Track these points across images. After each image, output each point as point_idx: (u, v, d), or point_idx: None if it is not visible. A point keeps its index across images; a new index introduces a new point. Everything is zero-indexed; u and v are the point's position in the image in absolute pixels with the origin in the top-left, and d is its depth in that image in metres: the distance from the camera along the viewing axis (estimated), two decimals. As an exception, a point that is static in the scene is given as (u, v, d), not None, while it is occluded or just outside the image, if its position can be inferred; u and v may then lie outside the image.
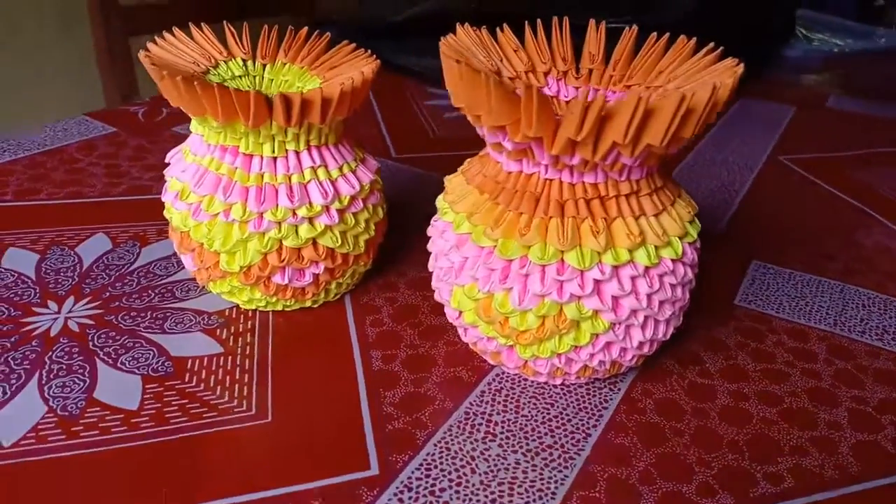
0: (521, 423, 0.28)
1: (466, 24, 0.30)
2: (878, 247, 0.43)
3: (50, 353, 0.29)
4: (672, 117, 0.22)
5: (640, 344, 0.27)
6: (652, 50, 0.29)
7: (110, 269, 0.35)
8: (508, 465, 0.26)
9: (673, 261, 0.27)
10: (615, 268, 0.26)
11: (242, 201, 0.29)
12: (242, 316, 0.33)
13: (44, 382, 0.28)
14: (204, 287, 0.34)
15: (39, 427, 0.26)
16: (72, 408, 0.27)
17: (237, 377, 0.29)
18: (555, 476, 0.25)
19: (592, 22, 0.31)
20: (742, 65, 0.25)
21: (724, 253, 0.41)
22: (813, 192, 0.50)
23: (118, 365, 0.29)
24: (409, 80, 0.69)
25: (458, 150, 0.53)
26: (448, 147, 0.54)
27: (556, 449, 0.27)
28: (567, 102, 0.31)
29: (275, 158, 0.30)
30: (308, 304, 0.33)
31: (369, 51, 0.33)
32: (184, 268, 0.36)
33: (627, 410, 0.29)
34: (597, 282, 0.26)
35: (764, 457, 0.27)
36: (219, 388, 0.28)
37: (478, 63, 0.28)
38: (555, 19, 0.31)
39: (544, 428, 0.27)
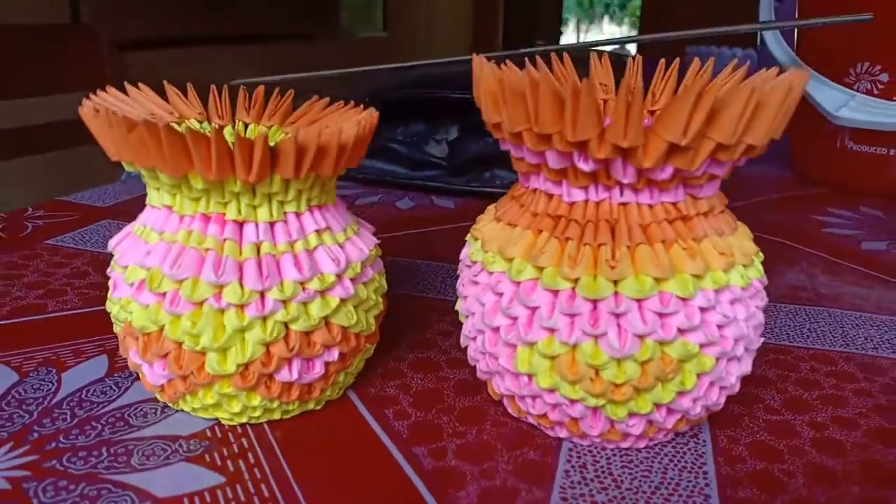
0: (630, 499, 0.23)
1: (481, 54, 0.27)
2: (829, 272, 0.44)
3: (-25, 527, 0.20)
4: (779, 108, 0.20)
5: (734, 382, 0.24)
6: (668, 75, 0.28)
7: (27, 405, 0.27)
8: (644, 549, 0.21)
9: (759, 281, 0.24)
10: (716, 292, 0.23)
11: (238, 280, 0.23)
12: (230, 434, 0.26)
13: (-22, 570, 0.19)
14: (168, 406, 0.26)
15: None
16: None
17: (259, 509, 0.22)
18: (703, 551, 0.21)
19: (595, 55, 0.29)
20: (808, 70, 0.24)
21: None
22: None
23: (86, 524, 0.21)
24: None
25: (386, 232, 0.49)
26: (415, 225, 0.49)
27: (683, 519, 0.22)
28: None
29: (272, 224, 0.24)
30: (311, 405, 0.27)
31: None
32: (128, 389, 0.28)
33: (726, 461, 0.25)
34: (702, 310, 0.22)
35: (885, 482, 0.24)
36: (240, 528, 0.21)
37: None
38: (553, 55, 0.29)
39: (657, 498, 0.23)
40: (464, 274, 0.27)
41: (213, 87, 0.29)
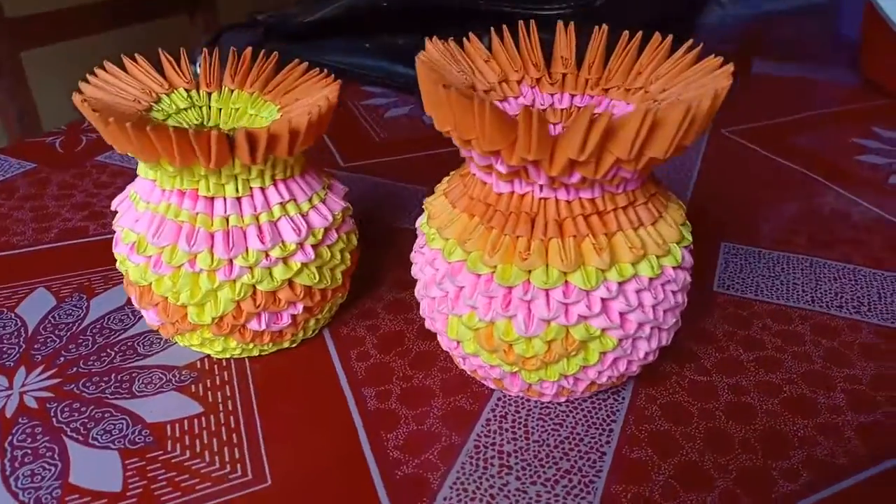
0: (534, 450, 0.27)
1: (434, 37, 0.28)
2: (835, 215, 0.44)
3: (10, 438, 0.26)
4: (678, 128, 0.21)
5: (646, 354, 0.27)
6: (627, 50, 0.29)
7: (59, 330, 0.32)
8: (530, 498, 0.25)
9: (674, 268, 0.26)
10: (620, 284, 0.25)
11: (209, 248, 0.27)
12: (216, 366, 0.31)
13: (8, 474, 0.25)
14: (169, 339, 0.31)
15: (14, 529, 0.23)
16: (46, 499, 0.24)
17: (225, 438, 0.27)
18: (580, 504, 0.25)
19: (560, 24, 0.30)
20: (732, 65, 0.25)
21: (693, 239, 0.41)
22: (761, 163, 0.51)
23: (90, 441, 0.26)
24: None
25: (408, 152, 0.51)
26: (396, 150, 0.52)
27: (575, 474, 0.26)
28: (563, 113, 0.29)
29: (239, 199, 0.27)
30: (286, 345, 0.31)
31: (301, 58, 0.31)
32: (141, 318, 0.33)
33: (636, 420, 0.28)
34: (604, 300, 0.25)
35: (777, 453, 0.27)
36: (207, 453, 0.26)
37: (454, 79, 0.27)
38: (521, 23, 0.30)
39: (558, 452, 0.27)
40: (418, 239, 0.30)
41: (204, 51, 0.32)
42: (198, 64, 0.31)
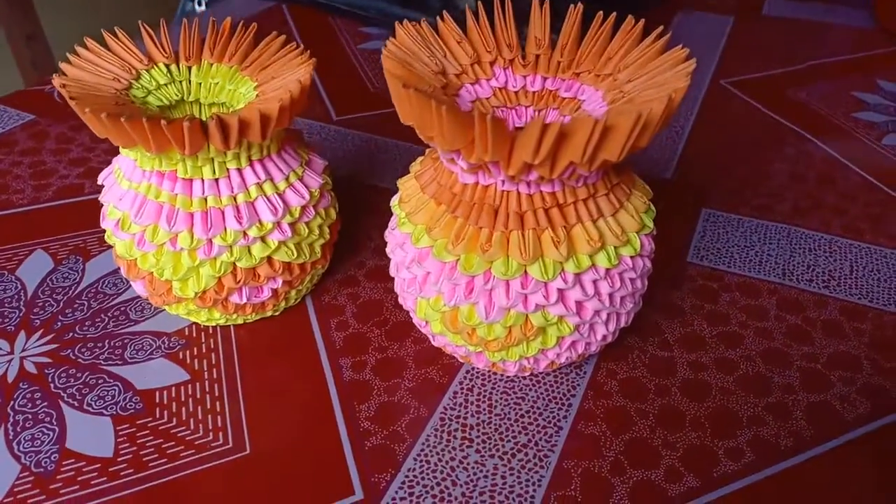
0: (495, 424, 0.28)
1: (406, 21, 0.28)
2: (821, 178, 0.44)
3: (11, 403, 0.29)
4: (629, 134, 0.22)
5: (604, 336, 0.28)
6: (599, 33, 0.28)
7: (57, 294, 0.34)
8: (487, 471, 0.27)
9: (632, 257, 0.27)
10: (577, 275, 0.26)
11: (188, 228, 0.28)
12: (203, 334, 0.32)
13: (11, 437, 0.27)
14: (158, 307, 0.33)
15: (16, 490, 0.26)
16: (46, 462, 0.27)
17: (208, 406, 0.29)
18: (532, 478, 0.26)
19: (536, 2, 0.30)
20: (694, 61, 0.25)
21: (674, 203, 0.41)
22: (755, 119, 0.50)
23: (85, 407, 0.29)
24: (337, 21, 0.65)
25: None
26: (389, 102, 0.52)
27: (531, 448, 0.28)
28: (535, 96, 0.30)
29: (217, 180, 0.28)
30: (269, 313, 0.33)
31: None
32: (134, 282, 0.35)
33: (594, 395, 0.30)
34: (560, 290, 0.26)
35: (724, 431, 0.28)
36: (192, 421, 0.28)
37: (422, 67, 0.27)
38: (496, 3, 0.30)
39: (518, 426, 0.28)
40: (392, 219, 0.31)
41: (184, 22, 0.32)
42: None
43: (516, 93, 0.30)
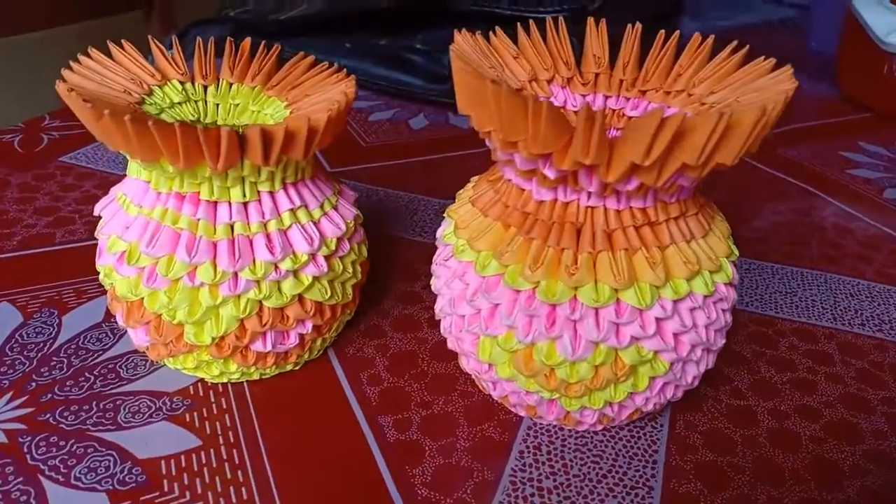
0: (576, 486, 0.24)
1: (464, 29, 0.26)
2: (838, 227, 0.43)
3: (-26, 480, 0.23)
4: (751, 132, 0.20)
5: (693, 379, 0.25)
6: (665, 51, 0.27)
7: (28, 351, 0.29)
8: (578, 539, 0.22)
9: (725, 285, 0.24)
10: (675, 303, 0.23)
11: (211, 260, 0.24)
12: (212, 392, 0.27)
13: (-25, 523, 0.22)
14: (156, 362, 0.28)
15: (-16, 590, 0.20)
16: (22, 553, 0.21)
17: (229, 476, 0.24)
18: (633, 546, 0.22)
19: (591, 21, 0.28)
20: (790, 67, 0.23)
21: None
22: (756, 176, 0.50)
23: (72, 482, 0.23)
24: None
25: (396, 158, 0.49)
26: (384, 156, 0.49)
27: (622, 510, 0.23)
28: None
29: (246, 203, 0.25)
30: (290, 367, 0.28)
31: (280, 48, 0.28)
32: (122, 337, 0.30)
33: (679, 450, 0.26)
34: (658, 320, 0.23)
35: (829, 483, 0.25)
36: (210, 494, 0.23)
37: (489, 75, 0.24)
38: (548, 19, 0.28)
39: (602, 488, 0.24)
40: (439, 251, 0.27)
41: (198, 41, 0.28)
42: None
43: (576, 112, 0.27)
